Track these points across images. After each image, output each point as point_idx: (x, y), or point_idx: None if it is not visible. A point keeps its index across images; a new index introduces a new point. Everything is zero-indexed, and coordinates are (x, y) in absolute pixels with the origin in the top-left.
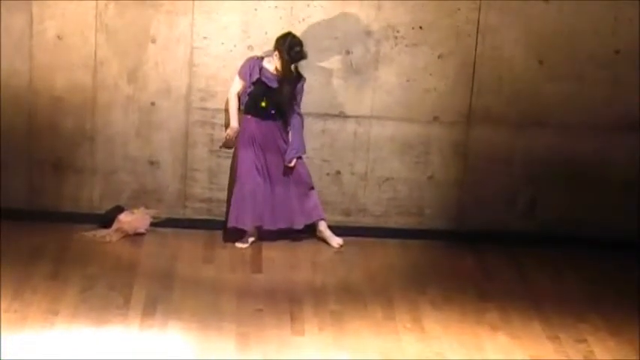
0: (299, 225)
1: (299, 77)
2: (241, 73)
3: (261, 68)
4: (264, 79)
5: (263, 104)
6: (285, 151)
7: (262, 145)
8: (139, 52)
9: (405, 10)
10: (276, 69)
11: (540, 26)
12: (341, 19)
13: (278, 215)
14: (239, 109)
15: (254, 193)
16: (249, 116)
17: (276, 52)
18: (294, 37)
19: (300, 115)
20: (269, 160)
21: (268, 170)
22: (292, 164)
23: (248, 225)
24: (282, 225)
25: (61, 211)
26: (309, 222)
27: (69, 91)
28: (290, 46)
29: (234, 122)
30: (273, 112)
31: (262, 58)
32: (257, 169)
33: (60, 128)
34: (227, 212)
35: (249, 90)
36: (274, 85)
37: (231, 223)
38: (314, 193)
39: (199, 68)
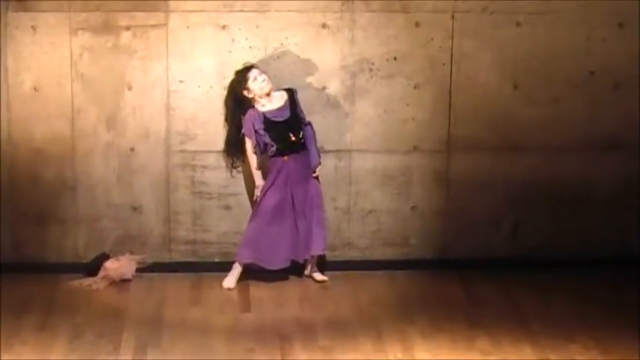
0: (318, 252)
1: (290, 90)
2: (247, 132)
3: (262, 114)
4: (272, 119)
5: (292, 138)
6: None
7: (296, 181)
8: (116, 99)
9: (379, 42)
10: (268, 99)
11: (514, 51)
12: (315, 55)
13: (305, 245)
14: (260, 164)
15: (279, 235)
16: (285, 157)
17: (245, 92)
18: (235, 74)
19: (309, 123)
20: (299, 193)
21: (294, 203)
22: (317, 173)
23: (279, 265)
24: (308, 254)
25: (46, 262)
26: (323, 251)
27: (48, 141)
28: (241, 77)
29: (259, 181)
30: (302, 140)
31: (254, 107)
32: (285, 208)
33: (41, 179)
34: (244, 245)
35: (266, 139)
36: (286, 115)
37: (245, 259)
38: (324, 218)
39: (177, 111)
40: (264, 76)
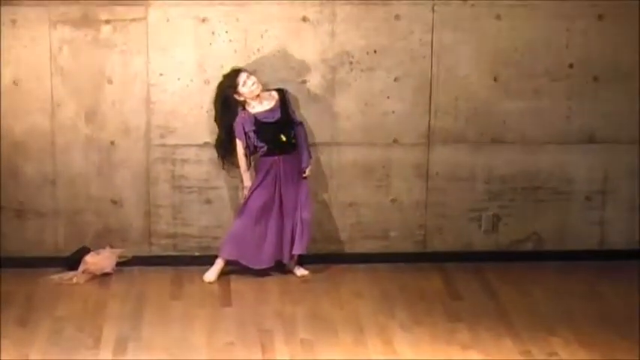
0: (298, 252)
1: (281, 91)
2: (238, 134)
3: (253, 115)
4: (263, 120)
5: (283, 138)
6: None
7: (286, 181)
8: (96, 93)
9: (359, 35)
10: (258, 100)
11: (493, 43)
12: (295, 48)
13: (290, 245)
14: (250, 165)
15: (265, 234)
16: (276, 157)
17: (236, 96)
18: (223, 78)
19: (301, 123)
20: (288, 193)
21: (283, 203)
22: (307, 173)
23: (263, 265)
24: (295, 252)
25: (26, 256)
26: (303, 251)
27: (28, 135)
28: (231, 83)
29: (247, 182)
30: (294, 140)
31: (245, 109)
32: (272, 208)
33: (21, 173)
34: (228, 242)
35: (256, 141)
36: (277, 116)
37: (227, 255)
38: (310, 219)
39: (157, 105)
40: (253, 79)
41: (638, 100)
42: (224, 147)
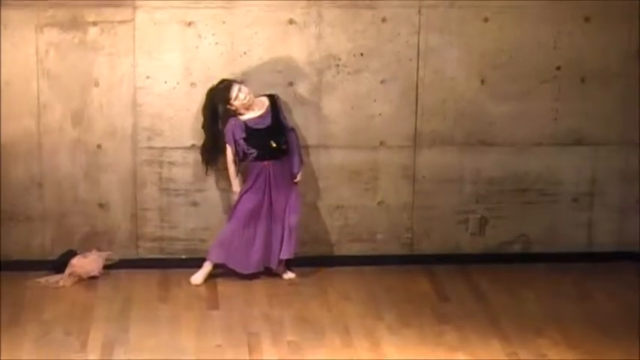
0: (285, 256)
1: (272, 97)
2: (228, 140)
3: (243, 122)
4: (254, 126)
5: (274, 145)
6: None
7: (276, 187)
8: (83, 95)
9: (346, 38)
10: (248, 109)
11: (481, 45)
12: (282, 51)
13: (278, 250)
14: (239, 171)
15: (253, 239)
16: (265, 162)
17: (228, 106)
18: (215, 90)
19: (293, 129)
20: (279, 198)
21: (273, 208)
22: (298, 179)
23: (251, 270)
24: (282, 257)
25: (12, 260)
26: (291, 256)
27: (14, 137)
28: (223, 94)
29: (235, 187)
30: (284, 146)
31: (237, 117)
32: (261, 212)
33: (7, 176)
34: (216, 245)
35: (246, 148)
36: (267, 122)
37: (215, 259)
38: (298, 224)
39: (144, 108)
40: (245, 91)
41: (625, 101)
42: (209, 153)
